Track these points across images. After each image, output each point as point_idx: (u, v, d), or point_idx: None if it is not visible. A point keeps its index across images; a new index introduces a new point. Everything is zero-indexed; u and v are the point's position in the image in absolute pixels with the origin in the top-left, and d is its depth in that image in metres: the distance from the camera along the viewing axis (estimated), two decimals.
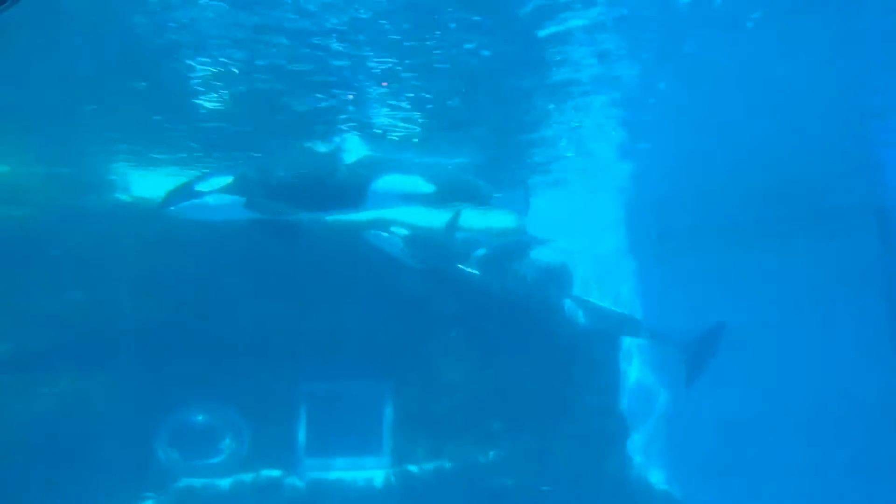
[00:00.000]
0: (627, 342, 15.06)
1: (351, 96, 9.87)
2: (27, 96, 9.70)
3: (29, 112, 10.12)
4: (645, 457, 15.07)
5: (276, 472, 11.46)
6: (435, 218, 12.39)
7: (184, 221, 10.58)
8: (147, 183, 12.01)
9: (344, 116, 10.54)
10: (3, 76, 9.15)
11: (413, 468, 12.10)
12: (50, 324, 10.91)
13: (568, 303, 12.91)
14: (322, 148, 11.44)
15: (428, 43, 8.36)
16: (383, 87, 9.92)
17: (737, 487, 13.62)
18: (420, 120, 10.79)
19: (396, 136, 11.35)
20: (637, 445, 14.63)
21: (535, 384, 12.81)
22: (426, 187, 11.16)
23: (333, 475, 11.75)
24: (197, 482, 11.07)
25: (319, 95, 9.77)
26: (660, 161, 13.62)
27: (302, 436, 11.95)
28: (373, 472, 11.99)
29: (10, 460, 10.34)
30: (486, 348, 12.87)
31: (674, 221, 15.25)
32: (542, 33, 8.21)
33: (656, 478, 14.23)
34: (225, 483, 11.16)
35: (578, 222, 14.98)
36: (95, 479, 10.63)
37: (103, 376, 10.95)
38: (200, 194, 10.13)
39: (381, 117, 10.68)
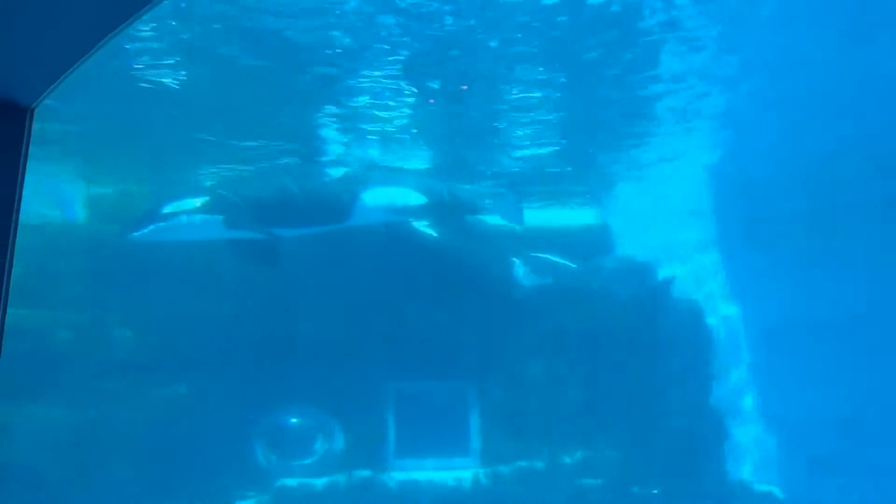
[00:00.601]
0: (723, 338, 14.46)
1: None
2: (125, 128, 10.49)
3: (127, 140, 10.91)
4: (745, 456, 14.41)
5: (367, 473, 11.78)
6: None
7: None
8: None
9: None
10: (106, 115, 9.94)
11: (503, 468, 12.13)
12: (162, 332, 11.66)
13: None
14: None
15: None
16: (463, 89, 9.96)
17: (845, 488, 12.80)
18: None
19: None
20: (735, 444, 14.01)
21: (625, 381, 12.55)
22: (417, 199, 11.03)
23: (423, 475, 11.95)
24: (293, 482, 11.53)
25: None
26: (751, 144, 12.96)
27: (391, 436, 12.23)
28: (462, 471, 12.11)
29: (128, 457, 11.11)
30: (575, 346, 12.73)
31: (766, 208, 14.47)
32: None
33: (757, 477, 13.60)
34: (319, 483, 11.58)
35: (663, 213, 14.48)
36: (202, 478, 11.29)
37: (209, 381, 11.59)
38: (170, 216, 10.11)
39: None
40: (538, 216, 13.90)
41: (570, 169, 12.98)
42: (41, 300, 10.94)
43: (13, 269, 2.64)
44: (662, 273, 13.60)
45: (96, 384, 11.29)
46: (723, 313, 14.90)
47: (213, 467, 11.29)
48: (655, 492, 12.00)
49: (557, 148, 12.06)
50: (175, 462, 11.21)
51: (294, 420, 12.00)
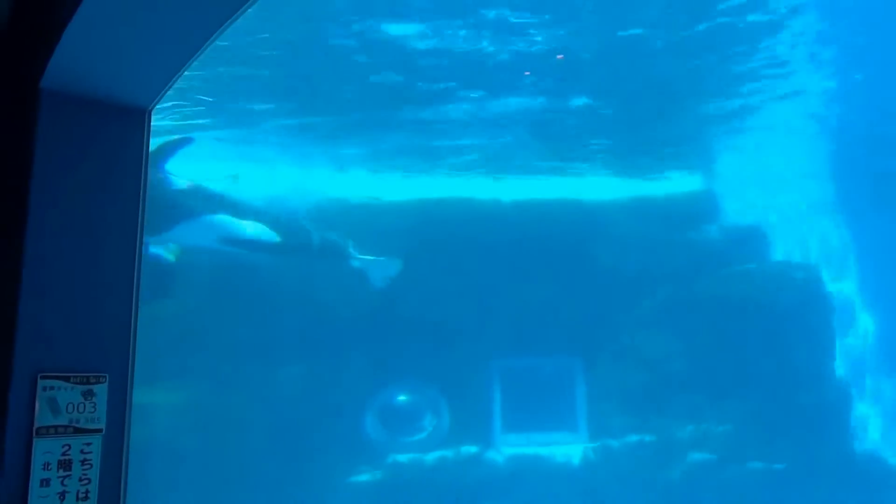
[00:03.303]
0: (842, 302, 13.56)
1: None
2: None
3: None
4: (875, 428, 13.53)
5: (475, 448, 11.94)
6: None
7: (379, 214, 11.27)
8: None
9: None
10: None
11: (612, 443, 12.00)
12: (278, 316, 12.20)
13: None
14: None
15: None
16: (559, 59, 9.83)
17: None
18: None
19: None
20: (864, 415, 13.18)
21: (739, 353, 12.07)
22: (269, 235, 10.77)
23: (531, 451, 11.99)
24: (404, 458, 11.86)
25: None
26: (875, 91, 11.90)
27: (498, 412, 12.33)
28: (570, 447, 12.07)
29: (251, 435, 11.75)
30: (685, 317, 12.36)
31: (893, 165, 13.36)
32: None
33: (889, 450, 12.74)
34: (429, 458, 11.85)
35: (773, 176, 13.64)
36: (320, 454, 11.81)
37: (322, 362, 12.06)
38: None
39: None
40: (639, 186, 13.51)
41: (670, 133, 12.46)
42: (170, 289, 11.68)
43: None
44: (775, 239, 12.91)
45: (221, 367, 11.97)
46: (845, 278, 13.97)
47: (329, 444, 11.77)
48: (779, 467, 11.48)
49: (656, 111, 11.57)
50: (293, 440, 11.76)
51: (403, 397, 12.30)
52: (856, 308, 14.01)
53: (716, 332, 12.25)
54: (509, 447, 11.99)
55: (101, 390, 2.75)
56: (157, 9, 2.30)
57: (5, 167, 2.79)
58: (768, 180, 13.39)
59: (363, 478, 11.64)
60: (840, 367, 12.42)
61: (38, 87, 2.74)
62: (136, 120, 2.92)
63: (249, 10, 2.34)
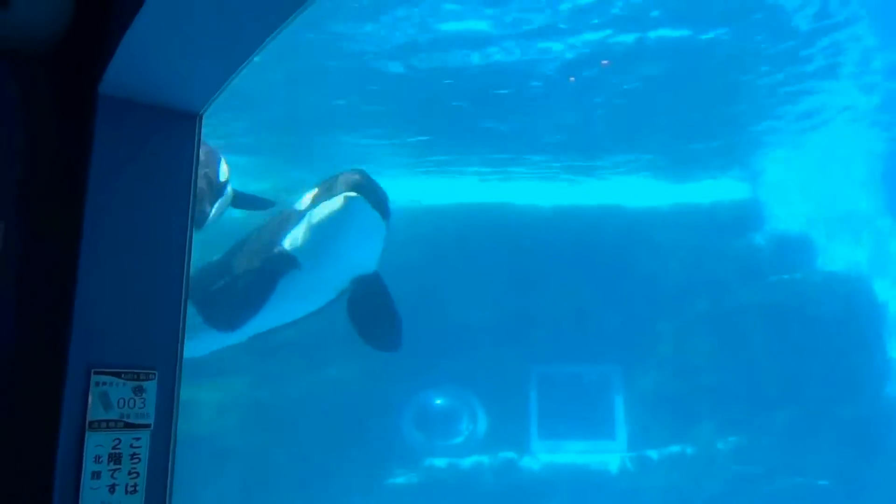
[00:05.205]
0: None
1: None
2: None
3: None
4: None
5: (511, 454, 11.89)
6: None
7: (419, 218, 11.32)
8: None
9: None
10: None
11: (651, 453, 11.83)
12: (317, 317, 12.25)
13: None
14: None
15: None
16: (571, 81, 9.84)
17: None
18: None
19: None
20: None
21: (785, 364, 11.80)
22: None
23: (567, 458, 11.89)
24: (440, 462, 11.87)
25: None
26: None
27: (535, 418, 12.26)
28: (608, 455, 11.93)
29: (290, 432, 11.86)
30: (728, 327, 12.13)
31: None
32: None
33: None
34: (465, 463, 11.84)
35: (824, 182, 13.29)
36: (356, 457, 11.89)
37: (359, 363, 12.14)
38: None
39: None
40: (681, 192, 13.31)
41: (715, 140, 12.24)
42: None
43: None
44: (823, 248, 12.58)
45: (261, 366, 12.13)
46: None
47: (366, 446, 11.84)
48: (824, 483, 11.18)
49: (700, 113, 11.37)
50: (331, 440, 11.87)
51: (440, 401, 12.32)
52: None
53: (760, 342, 12.00)
54: (546, 454, 11.91)
55: (151, 386, 2.82)
56: (212, 15, 2.37)
57: (65, 169, 2.90)
58: (816, 188, 13.07)
59: (399, 480, 11.69)
60: (891, 382, 12.04)
61: (97, 92, 2.83)
62: (188, 124, 3.00)
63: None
